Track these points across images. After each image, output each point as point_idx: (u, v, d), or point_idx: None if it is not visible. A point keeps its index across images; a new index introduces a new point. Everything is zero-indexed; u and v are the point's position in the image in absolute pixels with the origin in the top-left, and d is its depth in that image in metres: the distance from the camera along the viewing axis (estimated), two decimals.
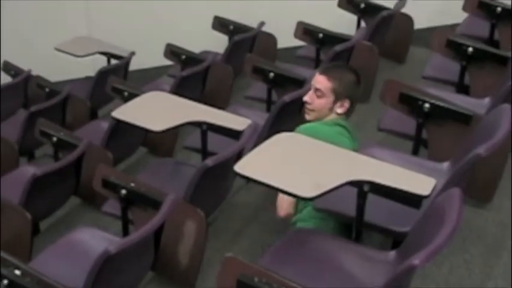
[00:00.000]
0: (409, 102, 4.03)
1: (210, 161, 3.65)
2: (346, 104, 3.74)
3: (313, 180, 2.83)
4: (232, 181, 4.21)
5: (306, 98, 3.77)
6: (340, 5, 6.83)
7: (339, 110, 3.74)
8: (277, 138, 3.18)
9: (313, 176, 2.91)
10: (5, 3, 8.61)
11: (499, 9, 5.46)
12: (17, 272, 2.88)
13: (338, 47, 5.31)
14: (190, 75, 5.94)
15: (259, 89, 5.51)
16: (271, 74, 5.20)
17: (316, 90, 3.74)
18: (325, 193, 2.77)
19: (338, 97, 3.73)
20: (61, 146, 5.22)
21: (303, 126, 3.69)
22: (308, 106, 3.77)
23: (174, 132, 5.30)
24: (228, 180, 4.14)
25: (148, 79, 7.27)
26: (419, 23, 6.44)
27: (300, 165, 3.03)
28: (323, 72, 3.77)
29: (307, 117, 3.80)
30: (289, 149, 3.15)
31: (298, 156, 3.11)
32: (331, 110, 3.73)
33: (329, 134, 3.63)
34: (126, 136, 5.31)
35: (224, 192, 4.21)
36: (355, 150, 3.52)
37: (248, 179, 2.98)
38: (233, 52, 6.53)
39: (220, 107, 4.37)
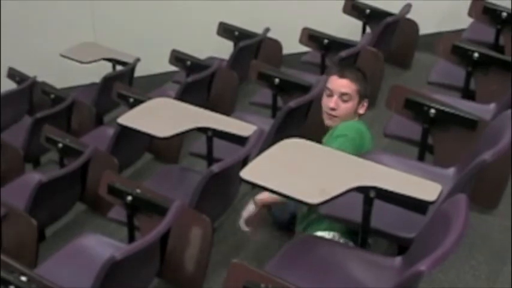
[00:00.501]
0: (414, 108, 4.03)
1: (215, 167, 3.65)
2: (366, 103, 3.81)
3: (319, 186, 2.83)
4: (238, 187, 4.21)
5: (332, 105, 3.74)
6: (345, 11, 6.83)
7: (361, 111, 3.80)
8: (282, 144, 3.18)
9: (319, 182, 2.90)
10: (10, 8, 8.62)
11: (504, 14, 5.46)
12: (23, 278, 2.89)
13: (343, 53, 5.32)
14: (195, 81, 5.94)
15: (264, 95, 5.51)
16: (277, 80, 5.19)
17: (343, 94, 3.74)
18: (331, 199, 2.77)
19: (361, 98, 3.77)
20: (66, 153, 5.22)
21: (347, 124, 3.71)
22: (333, 112, 3.75)
23: (180, 138, 5.30)
24: (234, 186, 4.13)
25: (153, 85, 7.27)
26: (424, 29, 6.44)
27: (306, 171, 3.03)
28: (344, 76, 3.77)
29: (331, 123, 3.78)
30: (295, 155, 3.15)
31: (303, 162, 3.11)
32: (356, 112, 3.76)
33: (367, 133, 3.73)
34: (131, 142, 5.31)
35: (230, 198, 4.20)
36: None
37: (254, 185, 2.98)
38: (238, 58, 6.53)
39: (225, 113, 4.37)
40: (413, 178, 3.05)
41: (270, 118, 5.05)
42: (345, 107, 3.74)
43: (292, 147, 3.20)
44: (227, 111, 5.26)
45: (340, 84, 3.76)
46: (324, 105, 3.80)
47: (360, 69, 3.90)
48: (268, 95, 5.33)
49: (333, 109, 3.75)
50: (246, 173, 2.93)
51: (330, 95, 3.78)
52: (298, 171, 3.02)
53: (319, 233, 3.48)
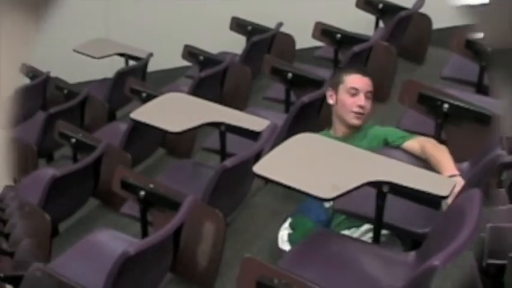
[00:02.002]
0: (427, 103, 4.01)
1: (228, 162, 3.65)
2: None
3: (332, 181, 2.82)
4: (251, 182, 4.20)
5: (363, 103, 3.78)
6: (358, 6, 6.81)
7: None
8: (296, 139, 3.18)
9: (332, 177, 2.90)
10: None
11: None
12: (37, 273, 2.89)
13: (356, 48, 5.29)
14: (208, 76, 5.93)
15: (277, 89, 5.50)
16: (290, 75, 5.19)
17: (368, 92, 3.81)
18: (344, 194, 2.76)
19: None
20: (80, 148, 5.24)
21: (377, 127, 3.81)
22: (362, 110, 3.78)
23: (193, 133, 5.30)
24: (247, 181, 4.13)
25: (166, 80, 7.27)
26: (437, 23, 6.41)
27: (319, 166, 3.02)
28: (366, 74, 3.86)
29: (359, 122, 3.80)
30: (308, 150, 3.14)
31: (317, 157, 3.10)
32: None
33: None
34: (144, 137, 5.32)
35: (243, 193, 4.20)
36: None
37: (267, 180, 2.97)
38: (251, 53, 6.52)
39: (238, 108, 4.36)
40: (426, 173, 3.04)
41: (283, 113, 5.04)
42: (369, 104, 3.82)
43: (306, 142, 3.19)
44: (240, 106, 5.25)
45: (366, 82, 3.82)
46: (351, 105, 3.79)
47: None
48: (281, 89, 5.32)
49: (362, 107, 3.78)
50: (259, 168, 2.93)
51: (355, 94, 3.79)
52: (311, 166, 3.01)
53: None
